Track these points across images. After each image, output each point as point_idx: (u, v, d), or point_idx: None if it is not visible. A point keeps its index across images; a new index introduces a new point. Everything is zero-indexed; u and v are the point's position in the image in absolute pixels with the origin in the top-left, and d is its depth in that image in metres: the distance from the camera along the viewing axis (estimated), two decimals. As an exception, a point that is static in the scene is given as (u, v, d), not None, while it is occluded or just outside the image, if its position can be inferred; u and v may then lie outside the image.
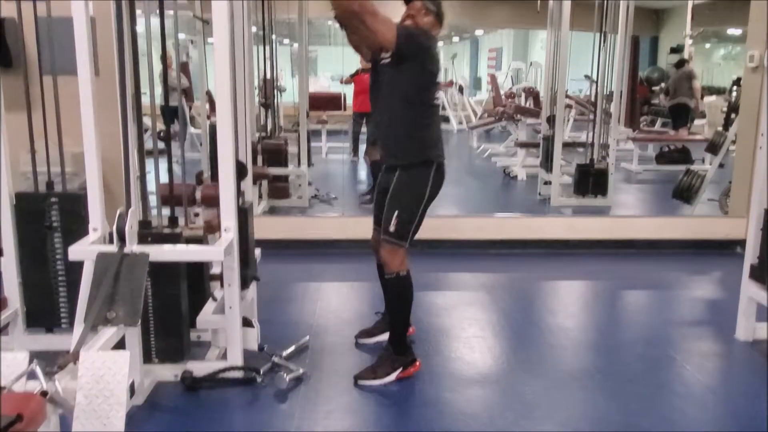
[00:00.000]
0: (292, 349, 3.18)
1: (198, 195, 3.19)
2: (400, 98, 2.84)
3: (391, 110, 2.89)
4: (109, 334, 2.24)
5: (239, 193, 2.87)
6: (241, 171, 2.89)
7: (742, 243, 3.82)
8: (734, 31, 13.35)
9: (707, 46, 14.98)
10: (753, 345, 3.42)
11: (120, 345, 2.44)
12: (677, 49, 11.70)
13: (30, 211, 2.87)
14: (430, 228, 3.07)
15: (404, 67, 2.77)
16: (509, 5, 13.09)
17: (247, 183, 3.16)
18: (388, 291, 3.03)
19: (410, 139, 2.88)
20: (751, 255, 3.41)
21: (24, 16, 2.94)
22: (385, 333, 3.16)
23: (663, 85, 10.78)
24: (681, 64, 9.73)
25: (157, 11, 2.77)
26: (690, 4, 9.37)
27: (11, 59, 3.87)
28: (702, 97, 10.59)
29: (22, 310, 2.93)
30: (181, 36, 6.27)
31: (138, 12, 2.72)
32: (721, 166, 6.07)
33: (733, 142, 5.64)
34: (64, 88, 2.93)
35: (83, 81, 2.53)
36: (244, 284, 2.95)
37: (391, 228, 2.86)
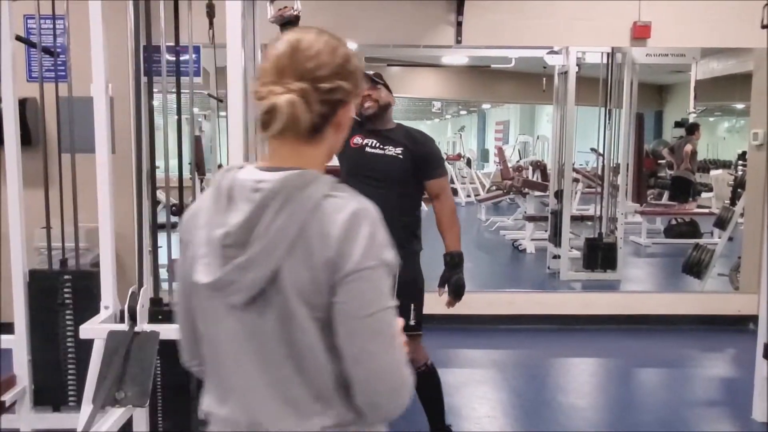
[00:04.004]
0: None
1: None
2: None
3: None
4: (117, 414, 2.23)
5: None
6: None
7: (754, 319, 3.78)
8: (738, 104, 13.52)
9: (711, 119, 15.18)
10: (771, 426, 3.36)
11: (128, 425, 2.42)
12: (682, 123, 11.81)
13: (43, 288, 2.88)
14: (440, 303, 3.05)
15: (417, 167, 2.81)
16: (515, 81, 13.34)
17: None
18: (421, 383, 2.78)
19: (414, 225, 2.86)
20: (764, 333, 3.38)
21: (45, 97, 3.04)
22: None
23: (668, 158, 10.80)
24: (691, 130, 9.60)
25: (173, 89, 2.87)
26: (692, 83, 9.49)
27: (31, 137, 3.96)
28: (704, 170, 10.63)
29: (30, 388, 2.91)
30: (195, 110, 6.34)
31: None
32: (730, 239, 6.06)
33: (742, 215, 5.65)
34: (80, 166, 3.01)
35: (101, 159, 2.56)
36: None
37: (412, 321, 2.71)
